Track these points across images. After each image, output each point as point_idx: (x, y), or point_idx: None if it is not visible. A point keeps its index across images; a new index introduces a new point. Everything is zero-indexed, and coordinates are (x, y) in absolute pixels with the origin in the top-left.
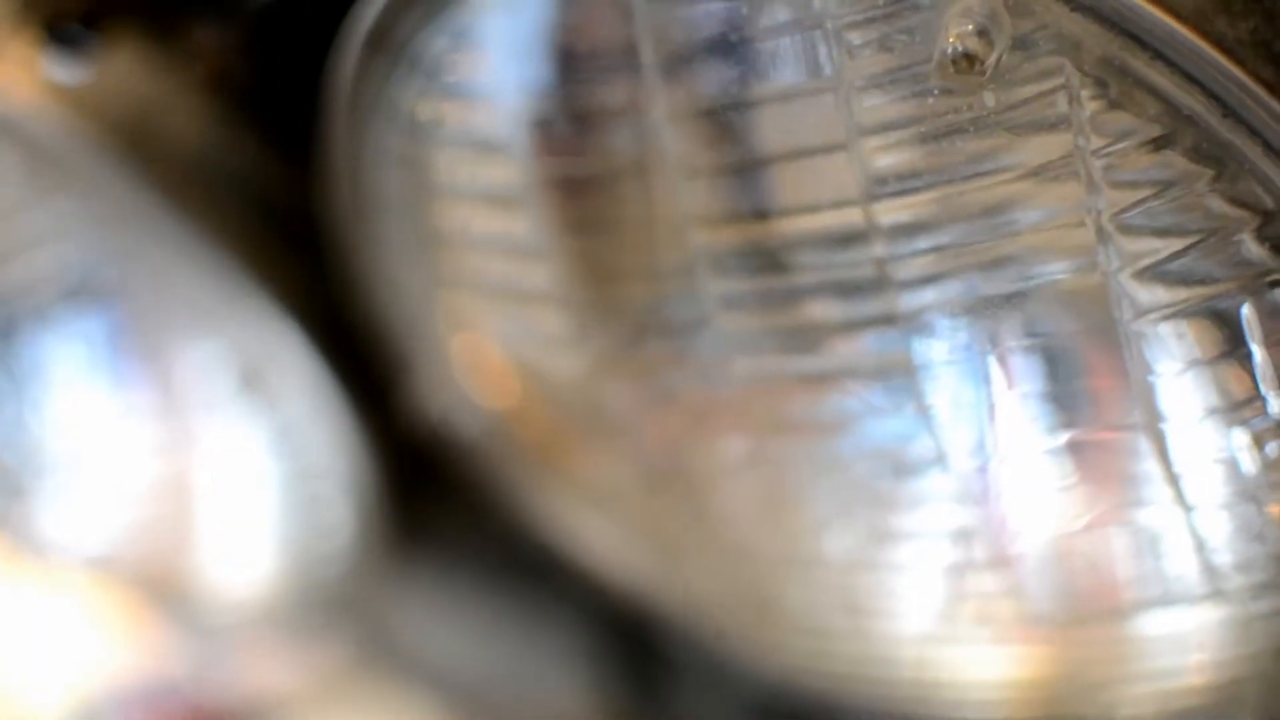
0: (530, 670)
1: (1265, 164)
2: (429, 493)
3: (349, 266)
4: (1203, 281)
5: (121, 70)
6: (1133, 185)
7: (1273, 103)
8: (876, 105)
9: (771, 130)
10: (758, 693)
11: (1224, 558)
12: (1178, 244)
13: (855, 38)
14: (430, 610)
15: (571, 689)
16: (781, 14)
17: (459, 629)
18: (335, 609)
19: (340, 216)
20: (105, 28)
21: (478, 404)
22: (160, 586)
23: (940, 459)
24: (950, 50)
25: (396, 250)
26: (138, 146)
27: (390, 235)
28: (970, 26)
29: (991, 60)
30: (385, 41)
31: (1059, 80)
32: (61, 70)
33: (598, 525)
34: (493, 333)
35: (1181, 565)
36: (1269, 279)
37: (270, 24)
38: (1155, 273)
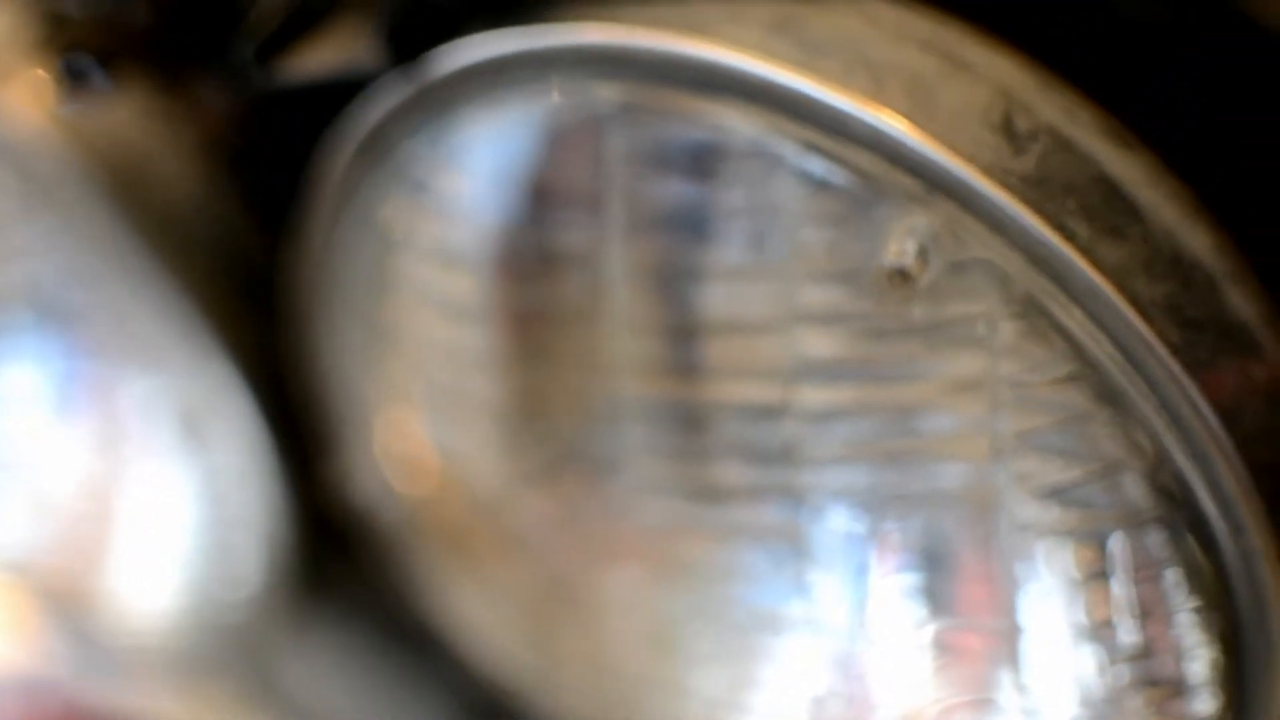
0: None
1: (1156, 418)
2: (336, 554)
3: (299, 338)
4: (1081, 509)
5: (125, 112)
6: (1034, 412)
7: (1173, 364)
8: (814, 297)
9: (715, 301)
10: None
11: None
12: (1065, 472)
13: (807, 235)
14: (318, 665)
15: None
16: (742, 200)
17: (342, 689)
18: (229, 652)
19: (300, 292)
20: (117, 69)
21: (396, 489)
22: (64, 599)
23: (810, 626)
24: (889, 264)
25: (346, 335)
26: (126, 186)
27: (343, 320)
28: (911, 245)
29: (926, 279)
30: (374, 144)
31: (983, 307)
32: (68, 101)
33: (488, 623)
34: (424, 429)
35: None
36: (1141, 519)
37: (273, 104)
38: (1039, 494)
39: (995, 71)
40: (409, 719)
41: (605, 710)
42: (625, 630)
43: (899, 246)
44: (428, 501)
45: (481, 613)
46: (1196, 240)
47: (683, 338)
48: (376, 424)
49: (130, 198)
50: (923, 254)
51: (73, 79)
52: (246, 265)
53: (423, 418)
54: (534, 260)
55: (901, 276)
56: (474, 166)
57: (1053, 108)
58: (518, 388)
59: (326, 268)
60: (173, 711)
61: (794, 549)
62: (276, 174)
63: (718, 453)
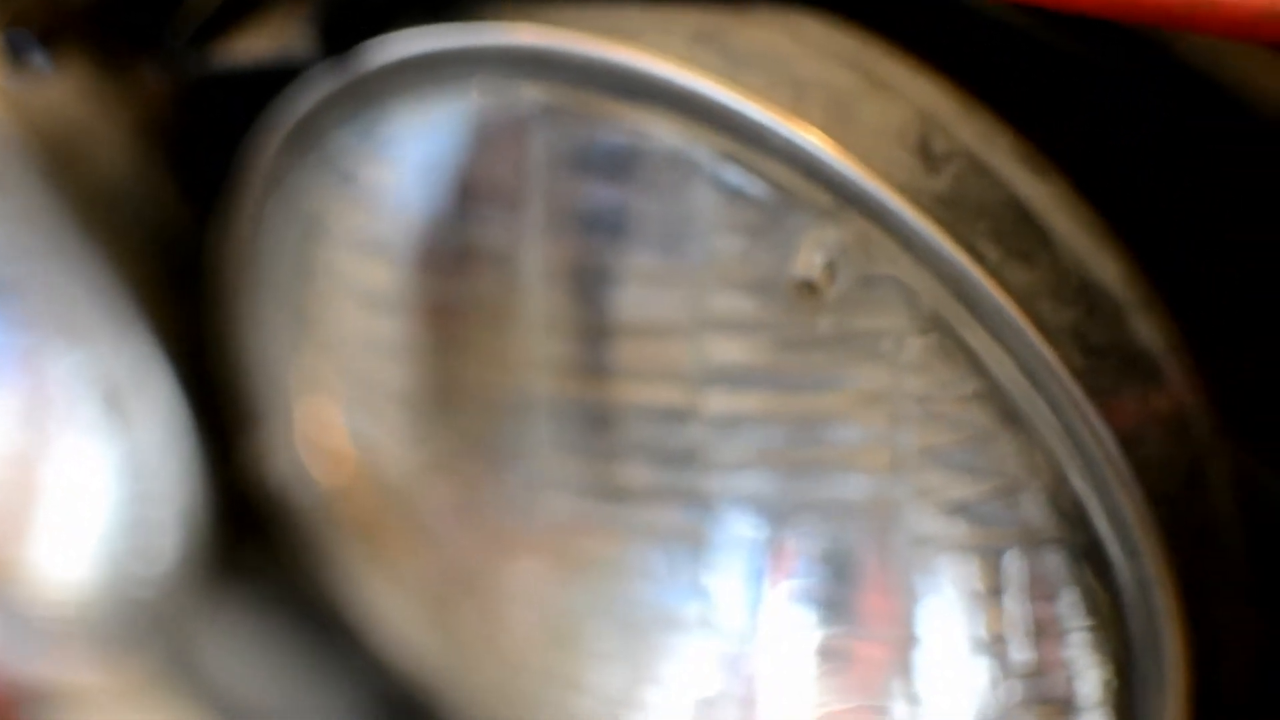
0: (306, 709)
1: (1057, 441)
2: (253, 535)
3: (223, 320)
4: (980, 525)
5: (66, 90)
6: (937, 428)
7: (1075, 389)
8: (725, 305)
9: (627, 304)
10: None
11: None
12: (966, 488)
13: (720, 243)
14: (234, 647)
15: None
16: (659, 205)
17: (254, 669)
18: (144, 626)
19: (225, 275)
20: (58, 47)
21: (312, 475)
22: None
23: (707, 627)
24: (797, 275)
25: (269, 319)
26: (62, 163)
27: (266, 305)
28: (819, 258)
29: (833, 292)
30: (303, 133)
31: (890, 323)
32: (9, 77)
33: (396, 614)
34: (340, 417)
35: None
36: (1038, 539)
37: (210, 89)
38: (939, 508)
39: (915, 92)
40: (322, 706)
41: (507, 703)
42: (526, 623)
43: (808, 258)
44: (342, 491)
45: (390, 603)
46: (1106, 268)
47: (595, 338)
48: (294, 408)
49: (66, 174)
50: (830, 267)
51: (14, 55)
52: (176, 246)
53: (339, 405)
54: (454, 255)
55: (809, 288)
56: (401, 159)
57: (971, 131)
58: (430, 379)
59: (252, 252)
60: (90, 684)
61: (695, 551)
62: (211, 158)
63: (623, 453)
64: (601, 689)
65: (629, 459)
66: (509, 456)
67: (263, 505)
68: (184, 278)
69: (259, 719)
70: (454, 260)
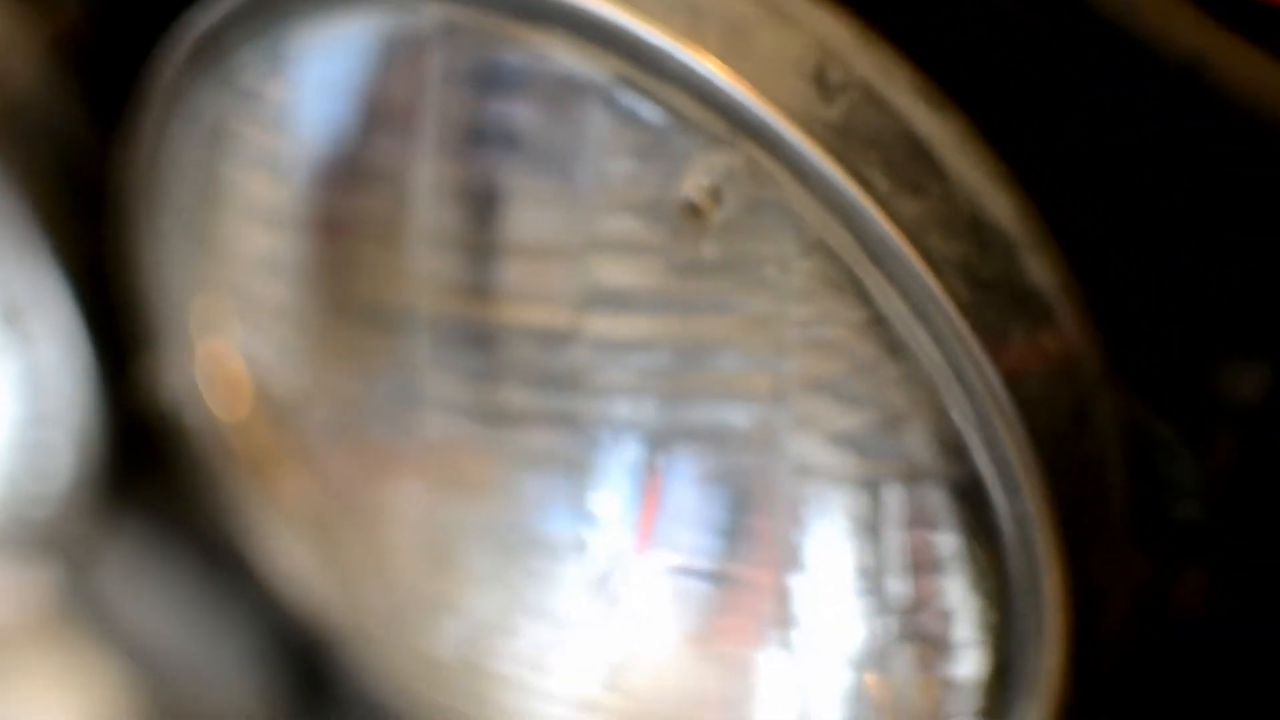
0: (209, 660)
1: (940, 374)
2: (152, 465)
3: (125, 238)
4: (861, 456)
5: None
6: (821, 357)
7: (960, 322)
8: (612, 227)
9: (514, 224)
10: None
11: (826, 716)
12: (848, 418)
13: (612, 165)
14: (134, 580)
15: (242, 692)
16: (551, 126)
17: (154, 600)
18: (41, 548)
19: (128, 192)
20: None
21: (210, 409)
22: None
23: (585, 553)
24: (683, 199)
25: (169, 237)
26: None
27: (166, 224)
28: (705, 182)
29: (719, 216)
30: (206, 50)
31: (776, 249)
32: None
33: (286, 544)
34: (236, 339)
35: (785, 713)
36: (919, 473)
37: (119, 5)
38: (821, 438)
39: (815, 22)
40: (220, 644)
41: (389, 630)
42: (405, 547)
43: (694, 182)
44: (238, 426)
45: (281, 534)
46: (999, 206)
47: (480, 257)
48: (192, 331)
49: None
50: (716, 192)
51: None
52: (81, 164)
53: (234, 327)
54: (349, 172)
55: (694, 211)
56: (302, 77)
57: (868, 63)
58: (319, 296)
59: (154, 170)
60: None
61: (575, 476)
62: (118, 75)
63: (504, 374)
64: (475, 612)
65: (510, 381)
66: (391, 376)
67: (159, 429)
68: (88, 196)
69: (161, 655)
70: (349, 177)
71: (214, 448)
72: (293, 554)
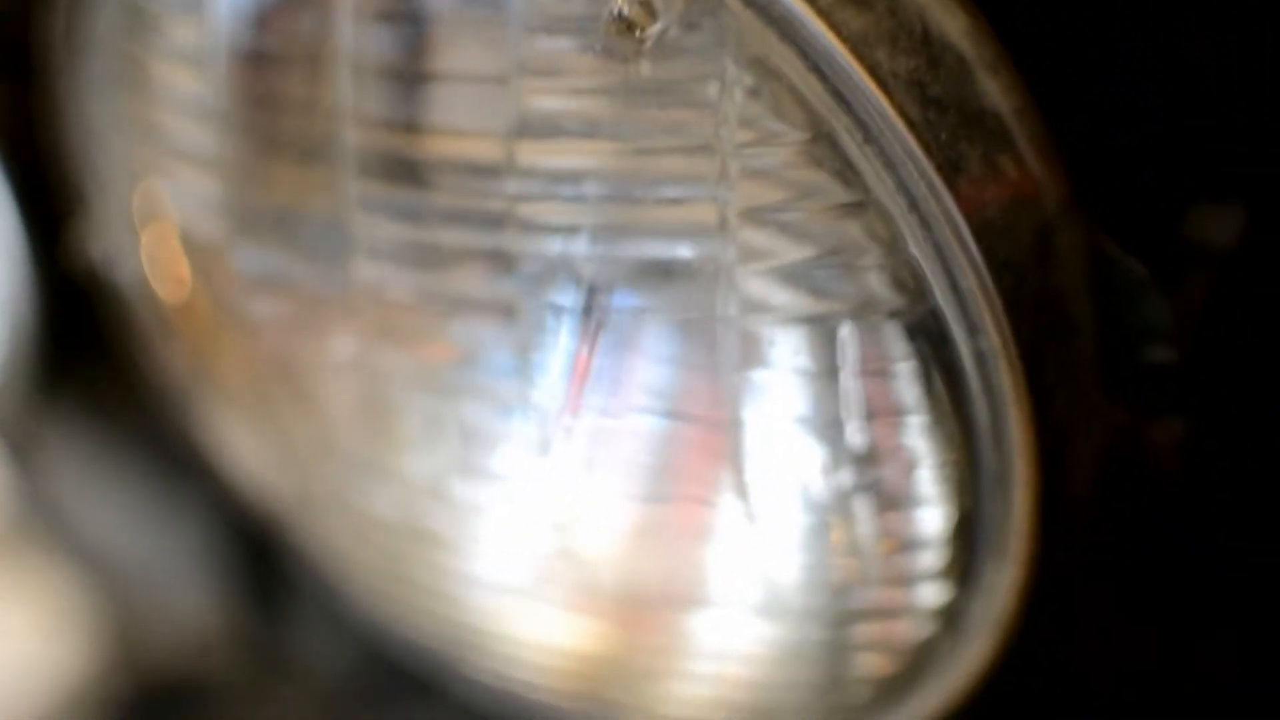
0: (163, 560)
1: (893, 200)
2: (88, 350)
3: (53, 96)
4: (812, 294)
5: None
6: (767, 185)
7: (910, 141)
8: (543, 48)
9: (441, 47)
10: (366, 632)
11: (784, 576)
12: (797, 253)
13: None
14: (83, 482)
15: (196, 586)
16: None
17: (106, 505)
18: None
19: (54, 46)
20: None
21: (151, 287)
22: None
23: (525, 405)
24: (615, 12)
25: (96, 90)
26: None
27: (93, 74)
28: None
29: (652, 31)
30: None
31: (715, 67)
32: None
33: (232, 428)
34: (161, 192)
35: (741, 573)
36: (874, 310)
37: None
38: (768, 275)
39: None
40: (172, 536)
41: (330, 495)
42: (341, 403)
43: None
44: (180, 307)
45: (225, 416)
46: (951, 22)
47: (406, 86)
48: (135, 215)
49: None
50: (649, 5)
51: None
52: (6, 23)
53: (160, 181)
54: (269, 3)
55: (627, 26)
56: None
57: None
58: (240, 136)
59: (76, 18)
60: None
61: (510, 321)
62: None
63: (436, 214)
64: (413, 473)
65: (439, 219)
66: (319, 220)
67: (94, 295)
68: (12, 53)
69: (116, 558)
70: (265, 8)
71: (156, 331)
72: (237, 435)
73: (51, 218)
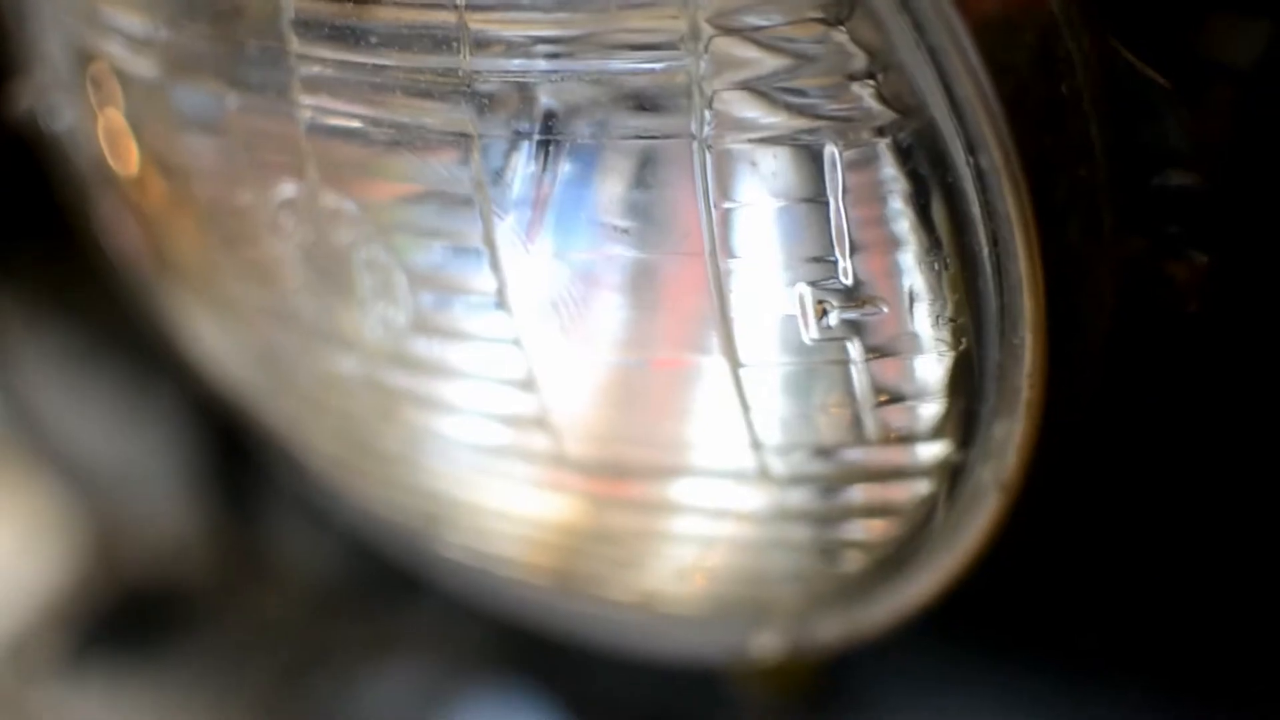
0: (138, 464)
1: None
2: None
3: None
4: (793, 111)
5: None
6: None
7: None
8: None
9: None
10: (342, 527)
11: (770, 436)
12: (775, 63)
13: None
14: (55, 388)
15: (172, 488)
16: None
17: (80, 410)
18: None
19: None
20: None
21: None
22: None
23: (485, 248)
24: None
25: None
26: None
27: None
28: None
29: None
30: None
31: None
32: None
33: (189, 309)
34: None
35: (725, 431)
36: (861, 126)
37: None
38: (744, 89)
39: None
40: (146, 435)
41: (286, 368)
42: (288, 264)
43: None
44: (132, 180)
45: (180, 297)
46: None
47: None
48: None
49: None
50: None
51: None
52: None
53: (99, 26)
54: None
55: None
56: None
57: None
58: None
59: None
60: None
61: (463, 157)
62: None
63: (379, 33)
64: (368, 338)
65: (383, 40)
66: (256, 49)
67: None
68: None
69: (92, 463)
70: None
71: (110, 207)
72: (195, 317)
73: None
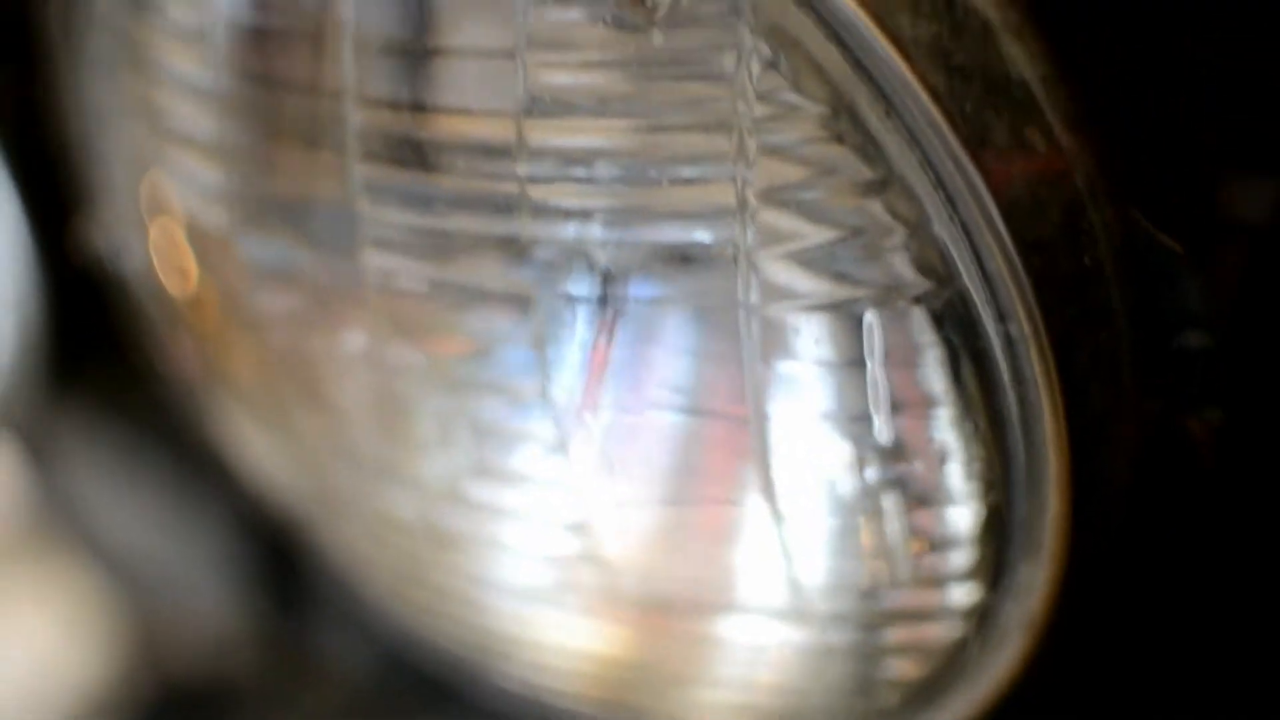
0: (184, 563)
1: (917, 176)
2: (103, 348)
3: (54, 81)
4: (836, 279)
5: None
6: (786, 163)
7: (934, 112)
8: (552, 20)
9: (447, 20)
10: (388, 637)
11: (811, 579)
12: (819, 235)
13: None
14: (103, 485)
15: (217, 588)
16: None
17: (127, 507)
18: None
19: (54, 30)
20: None
21: (159, 281)
22: None
23: (542, 401)
24: None
25: (97, 74)
26: None
27: (94, 57)
28: None
29: (665, 1)
30: None
31: (730, 37)
32: None
33: (246, 429)
34: (166, 182)
35: (767, 575)
36: (899, 295)
37: None
38: (789, 259)
39: None
40: (190, 538)
41: (349, 498)
42: (355, 404)
43: None
44: (188, 303)
45: (239, 416)
46: None
47: (411, 63)
48: (142, 207)
49: None
50: None
51: None
52: (4, 7)
53: (164, 167)
54: None
55: None
56: None
57: None
58: (242, 118)
59: (77, 3)
60: None
61: (524, 313)
62: None
63: (444, 199)
64: (427, 478)
65: (448, 206)
66: (323, 207)
67: (103, 287)
68: (11, 40)
69: (137, 561)
70: None
71: (166, 324)
72: (250, 433)
73: (57, 208)
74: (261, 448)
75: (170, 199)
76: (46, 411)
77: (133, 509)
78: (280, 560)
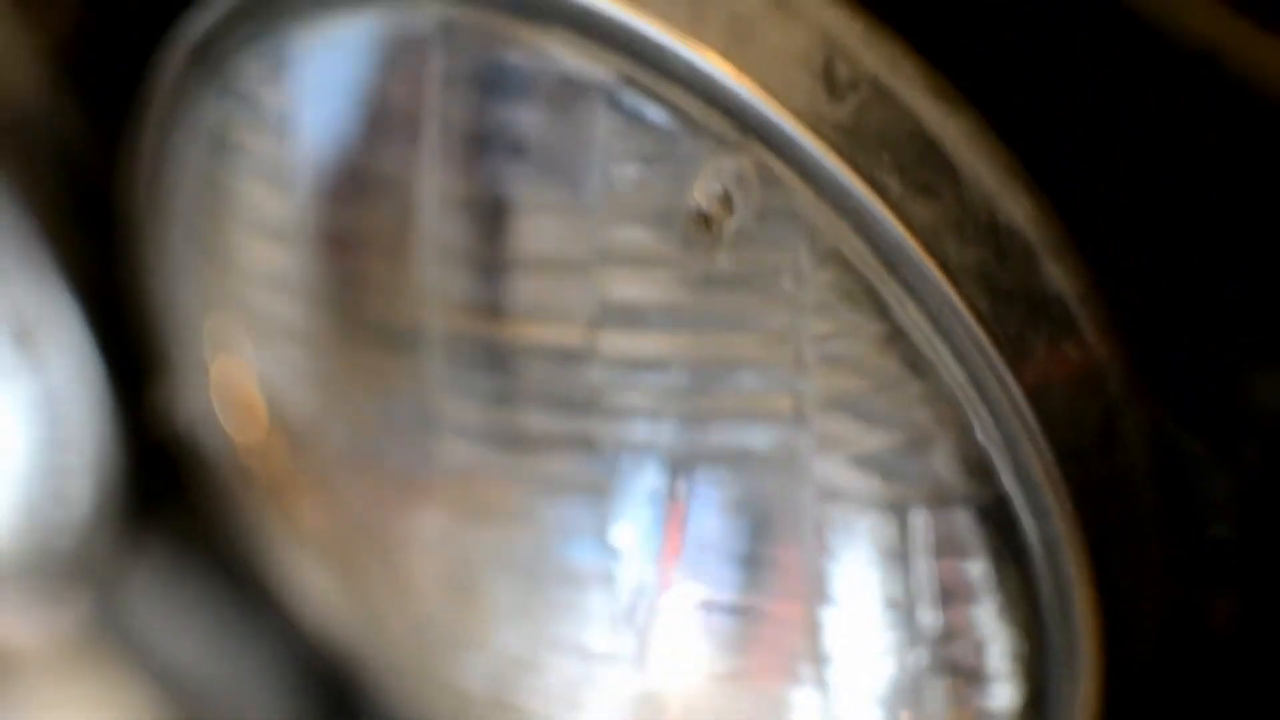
0: (236, 686)
1: (962, 390)
2: (173, 490)
3: (133, 254)
4: (886, 479)
5: None
6: (841, 375)
7: (980, 334)
8: (622, 238)
9: (522, 235)
10: None
11: None
12: (871, 439)
13: (620, 171)
14: (158, 603)
15: (270, 714)
16: (555, 130)
17: (181, 627)
18: (66, 577)
19: (134, 207)
20: None
21: (224, 428)
22: None
23: (609, 583)
24: (693, 206)
25: (177, 254)
26: None
27: (174, 239)
28: (716, 188)
29: (731, 225)
30: (205, 55)
31: (790, 259)
32: None
33: (311, 574)
34: (246, 357)
35: None
36: (946, 495)
37: (117, 9)
38: (845, 460)
39: (820, 15)
40: (251, 668)
41: (414, 661)
42: (429, 578)
43: (704, 188)
44: (255, 448)
45: (303, 562)
46: (1015, 207)
47: (489, 272)
48: (206, 355)
49: None
50: (727, 199)
51: None
52: (86, 180)
53: (246, 345)
54: (352, 181)
55: (705, 221)
56: (301, 82)
57: (877, 57)
58: (328, 315)
59: (158, 183)
60: (19, 654)
61: (596, 503)
62: (118, 81)
63: (520, 397)
64: (501, 646)
65: (525, 403)
66: (405, 399)
67: (178, 452)
68: (93, 209)
69: (190, 683)
70: (352, 187)
71: (231, 470)
72: (315, 581)
73: (136, 367)
74: (326, 595)
75: (247, 373)
76: (119, 556)
77: (185, 628)
78: (331, 684)
